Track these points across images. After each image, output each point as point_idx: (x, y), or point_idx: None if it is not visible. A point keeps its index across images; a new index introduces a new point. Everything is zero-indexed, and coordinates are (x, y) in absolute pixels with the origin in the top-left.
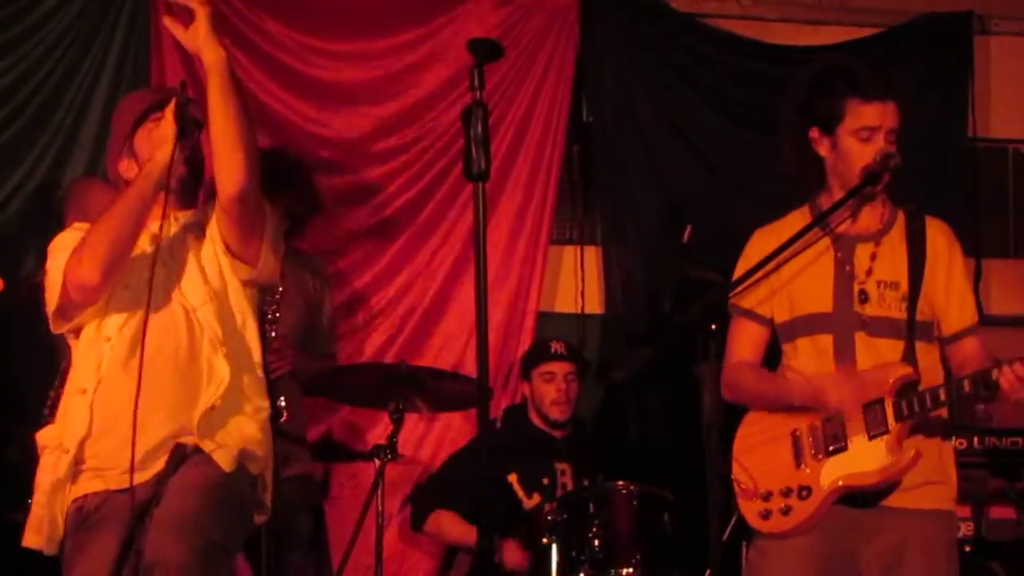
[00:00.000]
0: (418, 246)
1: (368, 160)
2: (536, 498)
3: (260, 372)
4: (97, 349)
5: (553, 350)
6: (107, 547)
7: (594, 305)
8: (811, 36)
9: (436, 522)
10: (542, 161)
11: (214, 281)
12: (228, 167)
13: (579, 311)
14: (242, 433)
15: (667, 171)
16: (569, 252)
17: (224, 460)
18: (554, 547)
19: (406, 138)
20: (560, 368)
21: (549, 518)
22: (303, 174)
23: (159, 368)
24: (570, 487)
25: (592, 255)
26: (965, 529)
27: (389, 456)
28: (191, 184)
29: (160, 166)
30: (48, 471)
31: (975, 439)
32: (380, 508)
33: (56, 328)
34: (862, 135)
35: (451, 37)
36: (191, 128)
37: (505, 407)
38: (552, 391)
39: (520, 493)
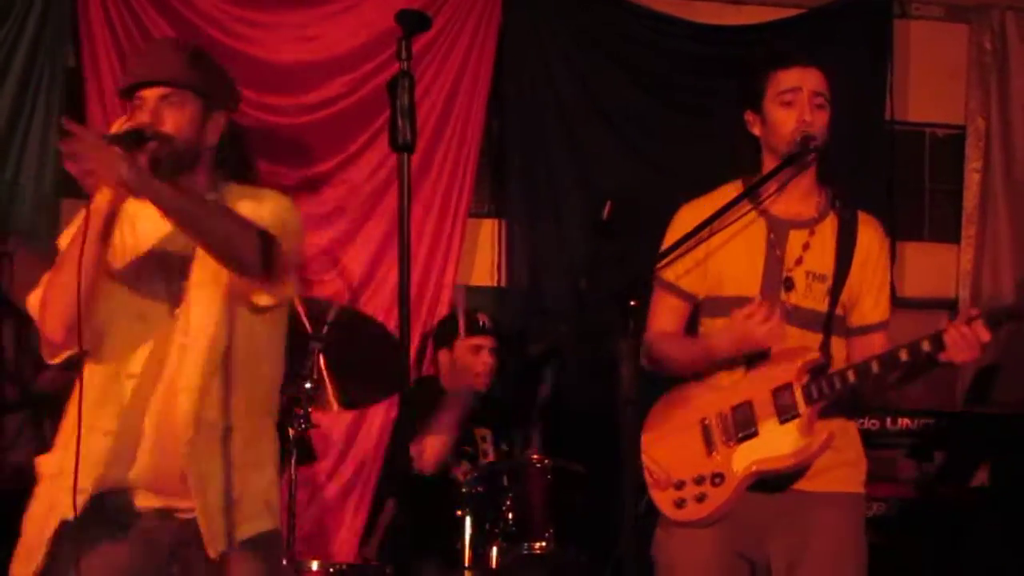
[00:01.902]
0: (348, 220)
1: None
2: (464, 465)
3: None
4: (118, 386)
5: (482, 323)
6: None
7: (511, 279)
8: (734, 16)
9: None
10: (465, 135)
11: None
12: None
13: (495, 284)
14: None
15: (587, 148)
16: (487, 225)
17: None
18: (468, 519)
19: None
20: (487, 342)
21: (464, 490)
22: None
23: None
24: (491, 455)
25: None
26: (876, 509)
27: (303, 425)
28: (185, 163)
29: (102, 199)
30: (50, 505)
31: (887, 420)
32: (293, 477)
33: (50, 360)
34: (785, 99)
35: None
36: (132, 143)
37: (415, 378)
38: (479, 363)
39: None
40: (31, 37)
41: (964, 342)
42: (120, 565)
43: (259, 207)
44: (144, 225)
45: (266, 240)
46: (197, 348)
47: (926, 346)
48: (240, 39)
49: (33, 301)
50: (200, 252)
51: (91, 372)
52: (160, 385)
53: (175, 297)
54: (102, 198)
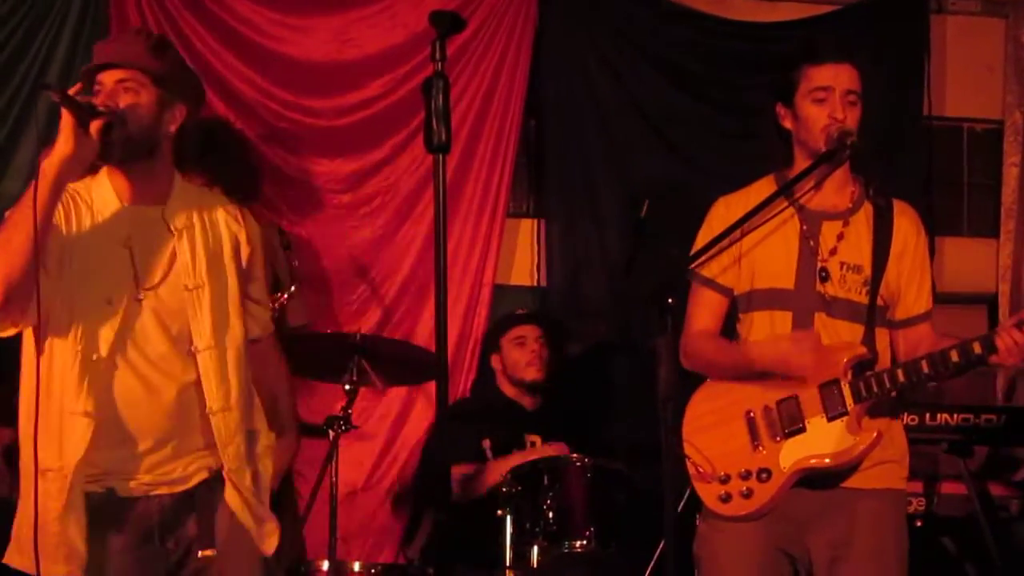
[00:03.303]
0: (390, 220)
1: (330, 132)
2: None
3: None
4: (92, 369)
5: (519, 313)
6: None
7: (550, 279)
8: (769, 12)
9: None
10: (502, 135)
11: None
12: None
13: (535, 284)
14: None
15: (624, 147)
16: (526, 225)
17: None
18: (508, 519)
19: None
20: (530, 331)
21: (504, 490)
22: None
23: None
24: None
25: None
26: (916, 505)
27: (343, 427)
28: (139, 149)
29: (50, 165)
30: (53, 496)
31: (927, 415)
32: (334, 480)
33: None
34: (817, 96)
35: (412, 7)
36: (82, 113)
37: (473, 380)
38: (526, 353)
39: (491, 460)
40: (69, 39)
41: (1017, 347)
42: (121, 551)
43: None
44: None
45: None
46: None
47: (977, 348)
48: (277, 40)
49: None
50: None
51: (63, 356)
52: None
53: (140, 282)
54: (49, 162)
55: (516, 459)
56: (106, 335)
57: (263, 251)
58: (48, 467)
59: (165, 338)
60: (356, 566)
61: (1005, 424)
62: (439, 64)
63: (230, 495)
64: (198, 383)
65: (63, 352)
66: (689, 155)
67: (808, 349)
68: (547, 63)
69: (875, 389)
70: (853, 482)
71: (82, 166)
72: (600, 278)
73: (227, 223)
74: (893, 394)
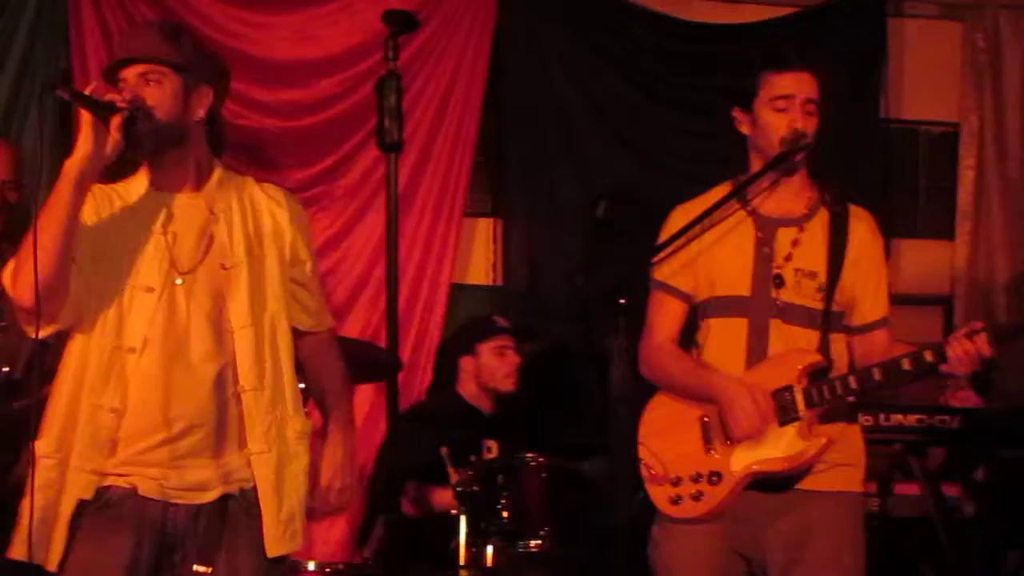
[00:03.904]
0: (349, 218)
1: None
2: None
3: None
4: (119, 362)
5: (501, 324)
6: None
7: (507, 278)
8: (730, 14)
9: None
10: (460, 134)
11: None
12: None
13: (492, 283)
14: None
15: (584, 146)
16: (484, 224)
17: None
18: (463, 518)
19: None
20: (510, 342)
21: (459, 490)
22: None
23: None
24: None
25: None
26: (871, 505)
27: None
28: (168, 138)
29: (71, 165)
30: (60, 487)
31: (881, 416)
32: None
33: (32, 333)
34: (777, 105)
35: (371, 6)
36: (102, 111)
37: (430, 384)
38: (505, 364)
39: (449, 468)
40: (25, 36)
41: (967, 357)
42: (120, 555)
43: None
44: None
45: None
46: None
47: (929, 357)
48: (236, 38)
49: (6, 271)
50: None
51: (85, 349)
52: (176, 358)
53: (177, 265)
54: (70, 162)
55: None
56: (143, 322)
57: (308, 234)
58: (45, 454)
59: (204, 320)
60: (311, 565)
61: (960, 425)
62: (392, 63)
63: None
64: (234, 363)
65: (95, 346)
66: (648, 155)
67: (753, 416)
68: (506, 63)
69: (827, 395)
70: (808, 484)
71: (105, 163)
72: (558, 278)
73: (268, 206)
74: (848, 400)
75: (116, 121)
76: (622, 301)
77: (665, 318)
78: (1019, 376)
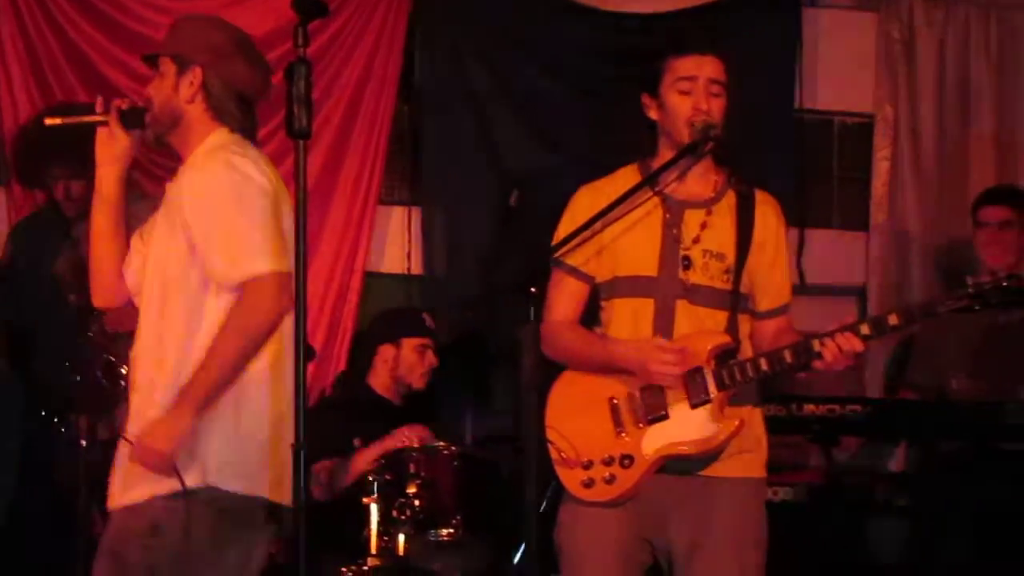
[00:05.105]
0: None
1: None
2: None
3: None
4: None
5: (428, 324)
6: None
7: (421, 266)
8: (644, 4)
9: None
10: (375, 122)
11: None
12: None
13: (407, 272)
14: None
15: (499, 135)
16: (399, 212)
17: None
18: (374, 507)
19: None
20: (432, 342)
21: (371, 479)
22: None
23: None
24: None
25: (420, 217)
26: (784, 495)
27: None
28: (164, 124)
29: (98, 179)
30: None
31: (793, 406)
32: None
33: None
34: (681, 87)
35: None
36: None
37: (337, 373)
38: (423, 363)
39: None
40: None
41: (842, 354)
42: None
43: None
44: None
45: None
46: None
47: (817, 347)
48: (151, 26)
49: None
50: None
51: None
52: None
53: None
54: (97, 177)
55: (378, 449)
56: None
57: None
58: None
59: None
60: None
61: (870, 415)
62: (302, 50)
63: None
64: None
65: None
66: (561, 144)
67: (669, 361)
68: (421, 50)
69: (738, 377)
70: (713, 470)
71: (120, 161)
72: (472, 266)
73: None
74: (755, 383)
75: (112, 125)
76: (532, 290)
77: (565, 298)
78: (931, 366)
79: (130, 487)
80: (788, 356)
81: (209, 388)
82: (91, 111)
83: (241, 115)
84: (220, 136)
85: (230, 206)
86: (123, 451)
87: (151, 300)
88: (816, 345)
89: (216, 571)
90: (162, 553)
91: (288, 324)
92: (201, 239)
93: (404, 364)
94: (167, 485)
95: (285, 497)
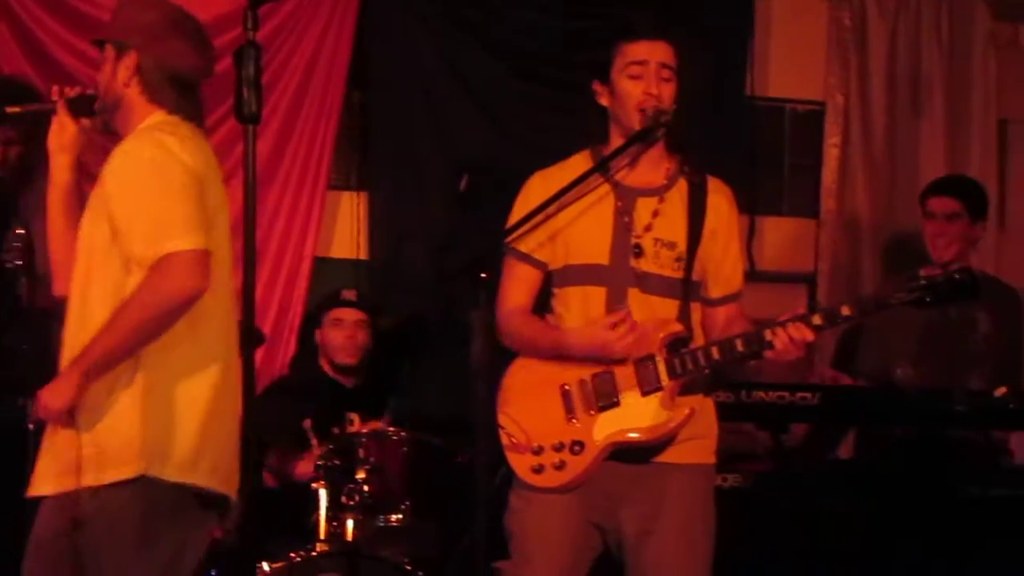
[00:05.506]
0: None
1: None
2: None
3: None
4: None
5: (343, 296)
6: None
7: (371, 252)
8: None
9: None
10: (324, 107)
11: None
12: None
13: (357, 257)
14: None
15: (449, 120)
16: (348, 198)
17: None
18: (323, 492)
19: None
20: (349, 315)
21: (319, 463)
22: None
23: None
24: None
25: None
26: (733, 481)
27: None
28: (108, 109)
29: (50, 177)
30: None
31: (742, 392)
32: None
33: None
34: (632, 72)
35: None
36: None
37: (293, 356)
38: (340, 336)
39: (313, 440)
40: None
41: (793, 344)
42: None
43: None
44: None
45: None
46: None
47: (808, 321)
48: (102, 9)
49: None
50: None
51: None
52: None
53: None
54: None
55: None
56: None
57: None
58: None
59: None
60: None
61: (820, 402)
62: (251, 33)
63: None
64: None
65: None
66: (512, 130)
67: (625, 333)
68: (372, 36)
69: (690, 366)
70: (665, 457)
71: (70, 150)
72: (422, 252)
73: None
74: (707, 371)
75: (60, 113)
76: (483, 275)
77: (518, 285)
78: (878, 354)
79: (47, 477)
80: (740, 345)
81: (102, 353)
82: (47, 100)
83: (178, 96)
84: (155, 118)
85: (151, 185)
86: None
87: (77, 282)
88: (768, 334)
89: (146, 564)
90: (86, 548)
91: (226, 306)
92: (121, 219)
93: (326, 341)
94: (89, 477)
95: (223, 485)
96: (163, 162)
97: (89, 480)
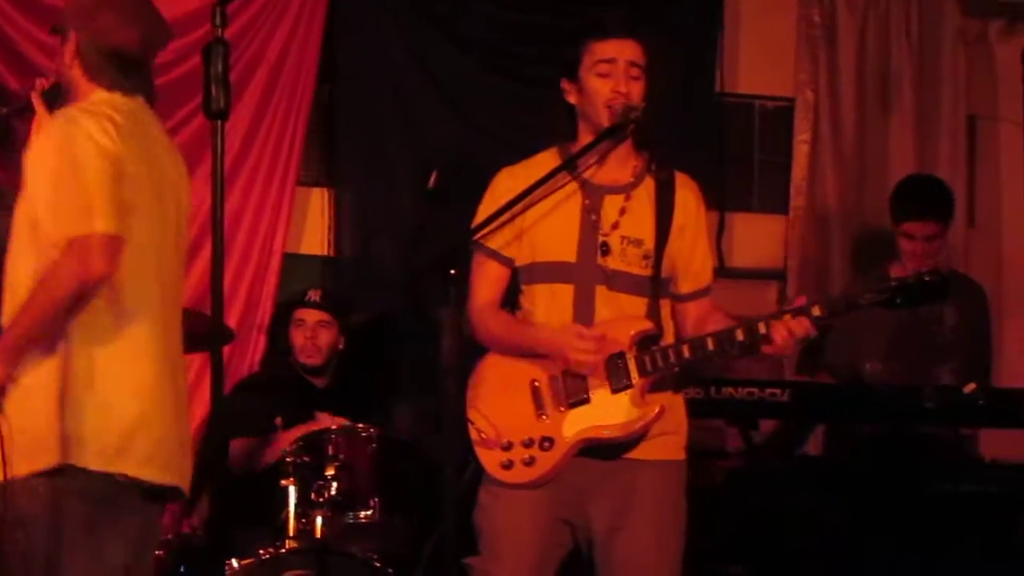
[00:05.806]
0: None
1: None
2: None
3: None
4: None
5: (307, 297)
6: None
7: (341, 248)
8: None
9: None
10: (293, 103)
11: None
12: None
13: (326, 253)
14: None
15: (419, 116)
16: (318, 194)
17: None
18: (292, 489)
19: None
20: (311, 315)
21: (288, 460)
22: None
23: None
24: None
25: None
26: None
27: None
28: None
29: None
30: None
31: (712, 389)
32: None
33: None
34: (600, 70)
35: None
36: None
37: (264, 353)
38: (301, 337)
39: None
40: None
41: (792, 339)
42: None
43: None
44: None
45: None
46: None
47: (762, 328)
48: None
49: None
50: None
51: None
52: None
53: None
54: None
55: (301, 430)
56: None
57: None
58: None
59: None
60: None
61: (790, 399)
62: (219, 29)
63: None
64: None
65: None
66: (481, 126)
67: (589, 349)
68: (341, 31)
69: (660, 364)
70: (635, 453)
71: None
72: (391, 248)
73: None
74: (677, 369)
75: (37, 105)
76: (452, 271)
77: (487, 282)
78: (847, 350)
79: None
80: (710, 343)
81: (18, 335)
82: (27, 96)
83: (116, 73)
84: (93, 97)
85: (62, 169)
86: None
87: (10, 265)
88: (762, 328)
89: (80, 555)
90: (16, 543)
91: (159, 294)
92: (38, 202)
93: (292, 341)
94: (13, 468)
95: (162, 475)
96: (78, 144)
97: (14, 471)
